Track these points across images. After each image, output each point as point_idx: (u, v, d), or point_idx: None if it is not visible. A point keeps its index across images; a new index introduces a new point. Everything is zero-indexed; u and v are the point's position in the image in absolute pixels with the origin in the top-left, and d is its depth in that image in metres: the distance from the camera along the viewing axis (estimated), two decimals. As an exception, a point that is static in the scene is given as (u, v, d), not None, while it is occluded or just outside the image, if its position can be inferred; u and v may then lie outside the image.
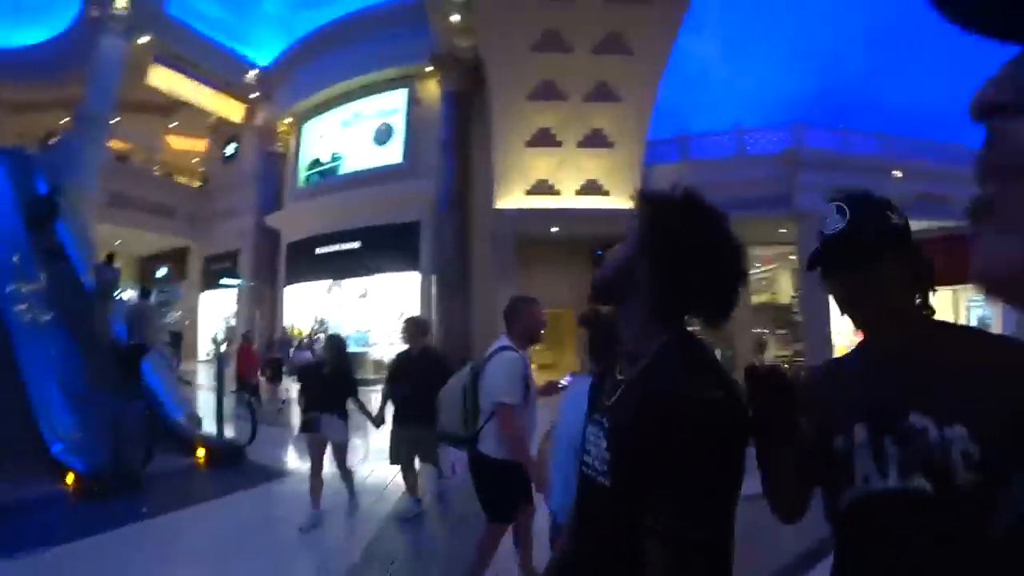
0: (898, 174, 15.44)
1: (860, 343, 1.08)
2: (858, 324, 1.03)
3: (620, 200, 14.43)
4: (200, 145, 24.21)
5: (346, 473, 4.83)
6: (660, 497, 0.88)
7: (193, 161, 24.60)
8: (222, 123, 22.02)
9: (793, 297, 16.52)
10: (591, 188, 14.36)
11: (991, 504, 0.81)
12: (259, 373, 11.16)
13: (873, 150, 15.92)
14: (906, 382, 0.95)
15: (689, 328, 1.06)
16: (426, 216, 15.82)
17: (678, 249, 1.00)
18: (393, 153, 17.38)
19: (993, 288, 0.32)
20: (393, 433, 4.65)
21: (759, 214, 13.49)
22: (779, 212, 14.23)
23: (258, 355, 12.08)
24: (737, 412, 0.92)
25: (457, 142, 15.61)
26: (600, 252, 15.24)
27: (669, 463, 0.87)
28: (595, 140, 14.15)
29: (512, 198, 13.95)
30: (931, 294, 1.03)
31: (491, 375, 2.98)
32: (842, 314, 1.03)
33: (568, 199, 14.19)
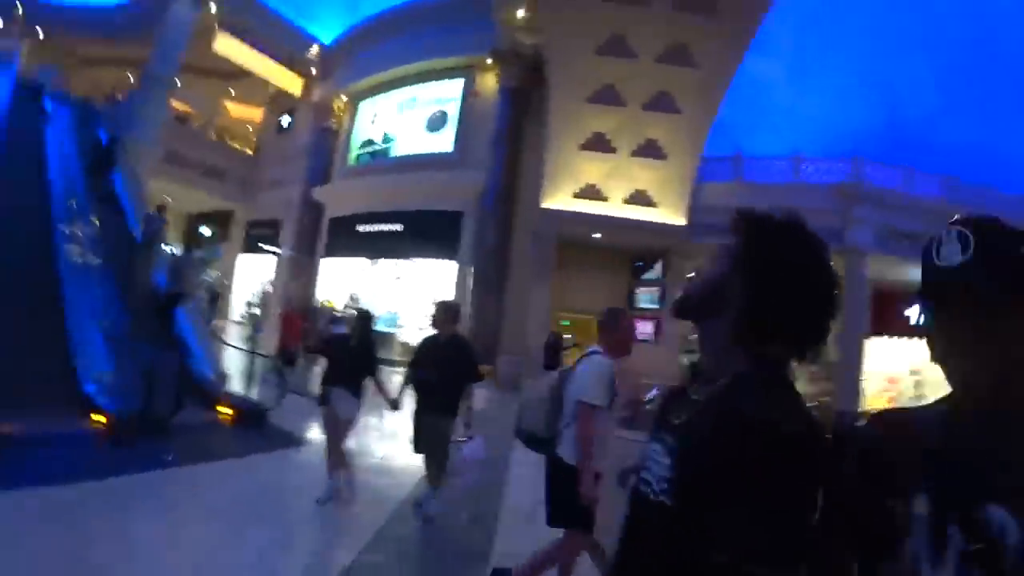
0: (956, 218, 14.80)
1: (946, 399, 0.91)
2: (954, 378, 0.85)
3: (667, 213, 14.22)
4: (257, 114, 24.81)
5: (342, 452, 4.70)
6: (726, 525, 0.84)
7: (248, 129, 25.17)
8: (280, 95, 22.53)
9: (830, 333, 16.06)
10: (639, 198, 14.20)
11: None
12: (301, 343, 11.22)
13: (935, 192, 15.29)
14: (994, 462, 0.80)
15: (773, 356, 1.00)
16: (470, 207, 15.88)
17: (774, 271, 0.97)
18: (445, 141, 17.49)
19: None
20: (415, 420, 4.48)
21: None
22: (830, 245, 13.77)
23: (302, 324, 12.20)
24: (817, 447, 0.87)
25: (509, 137, 15.64)
26: (641, 264, 15.15)
27: (740, 489, 0.83)
28: (649, 150, 13.99)
29: (559, 199, 13.95)
30: None
31: (580, 375, 2.93)
32: (935, 361, 0.87)
33: (615, 207, 14.08)
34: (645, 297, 15.33)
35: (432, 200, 16.39)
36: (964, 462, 0.81)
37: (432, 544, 4.14)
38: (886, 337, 16.10)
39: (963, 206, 15.16)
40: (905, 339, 16.18)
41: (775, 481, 0.83)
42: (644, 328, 15.10)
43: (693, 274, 1.12)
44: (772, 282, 0.96)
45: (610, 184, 14.09)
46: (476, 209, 15.75)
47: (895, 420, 1.02)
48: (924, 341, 0.89)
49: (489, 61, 16.53)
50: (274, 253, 20.72)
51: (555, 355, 13.26)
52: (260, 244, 21.11)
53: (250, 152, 23.96)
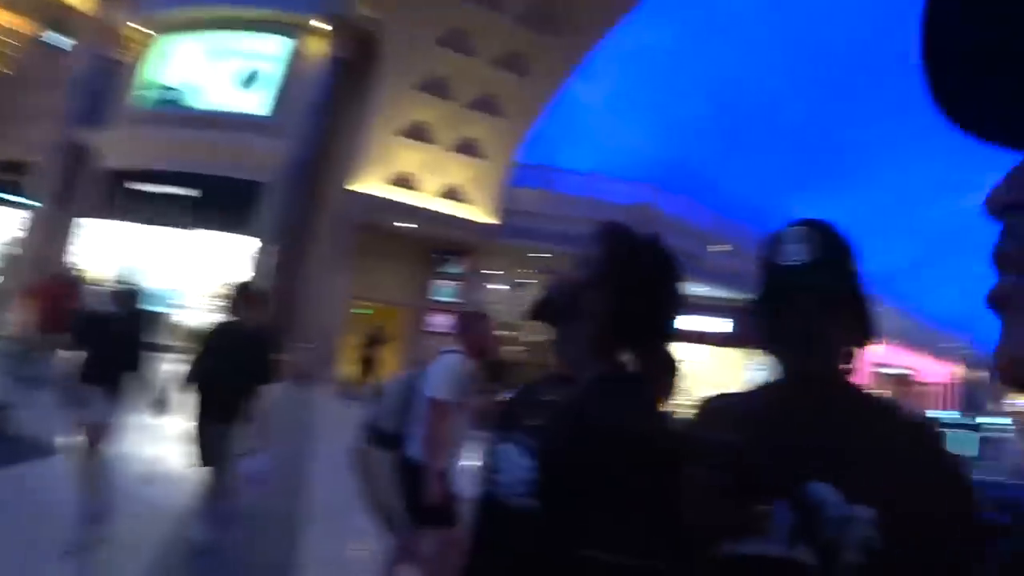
0: (727, 248, 17.61)
1: (773, 387, 1.04)
2: (786, 368, 0.98)
3: (478, 212, 14.65)
4: (22, 24, 20.13)
5: (94, 465, 3.73)
6: (595, 522, 0.87)
7: (6, 41, 20.42)
8: (57, 4, 18.45)
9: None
10: (452, 193, 14.58)
11: None
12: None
13: (707, 222, 17.98)
14: (818, 446, 0.90)
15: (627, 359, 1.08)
16: (276, 179, 14.52)
17: (639, 287, 1.03)
18: (258, 102, 15.82)
19: (1013, 377, 0.34)
20: (196, 427, 3.73)
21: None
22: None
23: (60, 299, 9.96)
24: (675, 440, 0.96)
25: (330, 110, 14.69)
26: (445, 256, 15.42)
27: (608, 486, 0.87)
28: (468, 148, 14.42)
29: (369, 183, 13.77)
30: (860, 352, 0.98)
31: (433, 372, 2.89)
32: (767, 352, 1.00)
33: (426, 198, 14.15)
34: (445, 290, 15.71)
35: (234, 165, 14.75)
36: (793, 444, 0.90)
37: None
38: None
39: (727, 237, 18.11)
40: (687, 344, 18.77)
41: (643, 476, 0.87)
42: (441, 320, 15.34)
43: (551, 280, 1.22)
44: (635, 296, 1.02)
45: (424, 175, 14.27)
46: (282, 182, 14.58)
47: (725, 405, 1.15)
48: (757, 332, 1.00)
49: (320, 26, 15.40)
50: (20, 205, 17.02)
51: (372, 349, 12.96)
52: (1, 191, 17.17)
53: (4, 70, 19.48)
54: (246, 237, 14.66)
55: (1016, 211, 0.32)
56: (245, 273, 13.80)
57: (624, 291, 1.02)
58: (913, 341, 25.22)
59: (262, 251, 14.39)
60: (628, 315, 1.02)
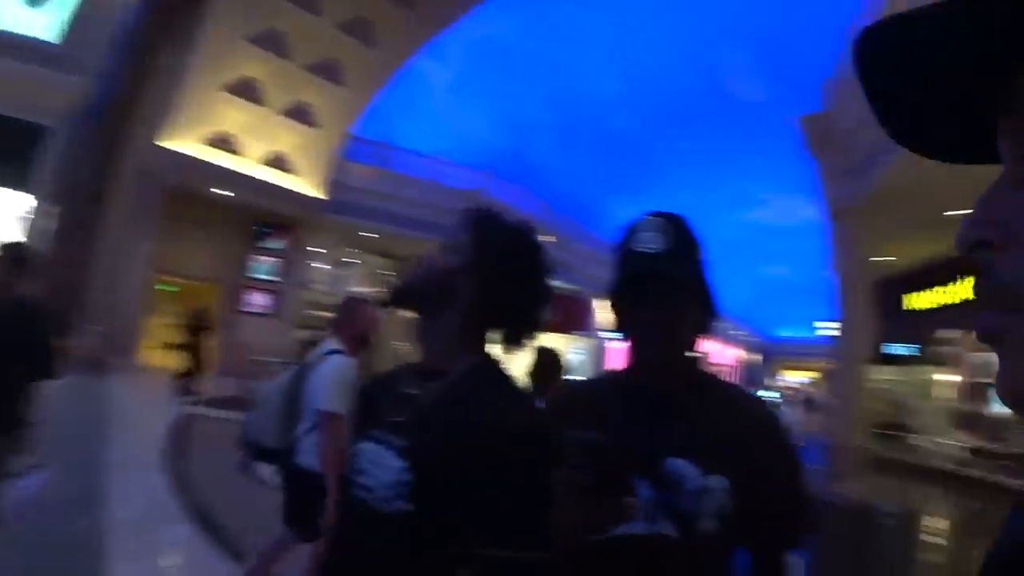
0: (552, 239, 18.89)
1: (623, 372, 1.11)
2: (640, 356, 1.05)
3: (305, 183, 14.02)
4: None
5: None
6: (478, 522, 0.87)
7: None
8: None
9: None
10: (278, 162, 13.76)
11: (729, 548, 0.95)
12: None
13: (537, 212, 19.15)
14: (671, 426, 0.98)
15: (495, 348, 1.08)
16: (65, 123, 12.42)
17: (510, 274, 1.03)
18: (46, 25, 13.17)
19: (1018, 405, 0.34)
20: None
21: (435, 237, 14.85)
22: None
23: None
24: (550, 436, 0.94)
25: (142, 48, 12.71)
26: (265, 230, 14.49)
27: (489, 487, 0.87)
28: (301, 114, 13.69)
29: (183, 141, 12.45)
30: (703, 338, 1.07)
31: (318, 379, 2.67)
32: (625, 337, 1.06)
33: (249, 164, 13.17)
34: (263, 267, 15.01)
35: (10, 102, 12.35)
36: (649, 428, 0.98)
37: None
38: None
39: (552, 226, 19.44)
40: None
41: (519, 476, 0.88)
42: (258, 300, 14.59)
43: (414, 264, 1.10)
44: (506, 283, 1.02)
45: (249, 138, 13.32)
46: (73, 128, 12.55)
47: (578, 393, 1.23)
48: (615, 320, 1.07)
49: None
50: None
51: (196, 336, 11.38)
52: None
53: None
54: (21, 191, 12.45)
55: (983, 249, 0.33)
56: (16, 234, 11.76)
57: (498, 278, 1.02)
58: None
59: (41, 209, 12.32)
60: (501, 304, 1.02)
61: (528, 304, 1.05)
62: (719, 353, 32.90)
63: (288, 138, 13.84)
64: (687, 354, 1.05)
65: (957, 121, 0.37)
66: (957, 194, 9.01)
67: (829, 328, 14.40)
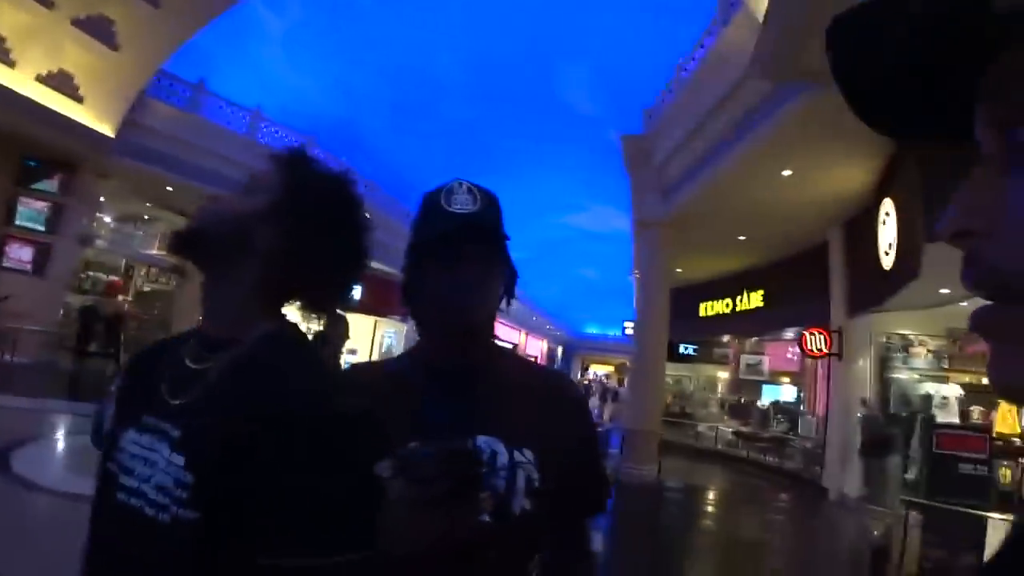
0: (372, 217, 18.25)
1: (420, 348, 1.07)
2: (442, 327, 1.01)
3: (91, 116, 11.81)
4: None
5: None
6: (277, 527, 0.74)
7: None
8: None
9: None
10: (61, 83, 11.34)
11: (539, 526, 0.93)
12: None
13: (362, 189, 18.31)
14: (475, 402, 0.95)
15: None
16: None
17: (321, 225, 0.89)
18: None
19: (1012, 396, 0.35)
20: None
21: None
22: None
23: None
24: (365, 417, 0.82)
25: None
26: (34, 163, 11.94)
27: (287, 482, 0.74)
28: (99, 28, 11.29)
29: None
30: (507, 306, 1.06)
31: None
32: (421, 310, 1.03)
33: (20, 81, 10.64)
34: (29, 213, 12.22)
35: None
36: (451, 405, 0.94)
37: None
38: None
39: (373, 205, 18.84)
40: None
41: (331, 458, 0.76)
42: (22, 254, 11.85)
43: (205, 203, 0.91)
44: (315, 237, 0.88)
45: (25, 48, 10.69)
46: None
47: (373, 372, 1.15)
48: (404, 291, 1.02)
49: None
50: None
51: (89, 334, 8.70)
52: None
53: None
54: None
55: (963, 238, 0.33)
56: None
57: (306, 229, 0.88)
58: (517, 321, 30.83)
59: None
60: (307, 259, 0.89)
61: (339, 263, 0.93)
62: (527, 343, 35.22)
63: (79, 57, 11.35)
64: (487, 325, 1.02)
65: (931, 107, 0.37)
66: (746, 221, 10.82)
67: (630, 327, 16.29)
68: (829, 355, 10.14)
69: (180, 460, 0.76)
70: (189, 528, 0.73)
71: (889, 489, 8.16)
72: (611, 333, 34.01)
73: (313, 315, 0.95)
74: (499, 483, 0.88)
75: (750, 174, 8.92)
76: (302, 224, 0.88)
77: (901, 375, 9.73)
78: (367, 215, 0.97)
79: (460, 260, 0.94)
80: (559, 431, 0.96)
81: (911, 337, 9.70)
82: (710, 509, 9.03)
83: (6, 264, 11.74)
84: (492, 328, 1.04)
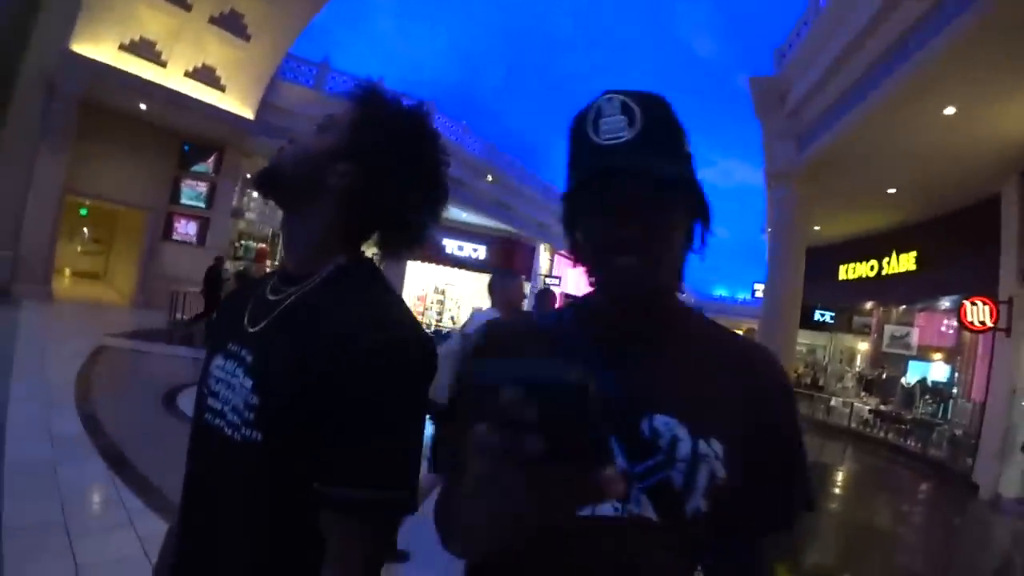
0: (490, 178, 18.48)
1: (586, 301, 0.84)
2: (611, 283, 0.75)
3: (234, 102, 13.07)
4: None
5: None
6: (333, 457, 0.73)
7: None
8: None
9: (374, 253, 17.92)
10: (206, 76, 12.63)
11: (717, 534, 0.72)
12: None
13: (479, 151, 18.56)
14: (652, 372, 0.74)
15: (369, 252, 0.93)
16: None
17: (396, 161, 0.87)
18: None
19: None
20: None
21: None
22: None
23: None
24: (430, 351, 0.80)
25: None
26: (189, 148, 13.41)
27: (352, 404, 0.73)
28: (232, 23, 12.56)
29: (97, 47, 11.13)
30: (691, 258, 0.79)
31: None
32: (588, 265, 0.76)
33: (173, 77, 12.02)
34: (190, 193, 14.03)
35: None
36: (620, 369, 0.73)
37: None
38: (421, 262, 18.97)
39: (496, 167, 19.01)
40: (439, 266, 19.52)
41: (395, 397, 0.75)
42: (187, 229, 13.67)
43: (287, 143, 0.92)
44: (391, 173, 0.87)
45: (173, 47, 12.13)
46: None
47: (519, 330, 0.89)
48: (570, 244, 0.78)
49: None
50: None
51: (214, 289, 10.63)
52: None
53: None
54: None
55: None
56: None
57: (381, 165, 0.87)
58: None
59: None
60: (379, 197, 0.88)
61: (415, 201, 0.90)
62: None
63: (218, 50, 12.64)
64: (672, 281, 0.77)
65: None
66: (898, 171, 9.42)
67: (760, 289, 15.06)
68: (994, 330, 8.52)
69: (249, 383, 0.79)
70: (254, 449, 0.76)
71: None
72: (740, 296, 31.88)
73: (392, 255, 0.93)
74: (674, 478, 0.69)
75: (903, 114, 7.54)
76: (374, 160, 0.87)
77: None
78: (443, 149, 0.92)
79: (613, 209, 0.69)
80: (757, 421, 0.73)
81: None
82: (837, 491, 8.16)
83: (175, 237, 13.77)
84: (676, 286, 0.79)
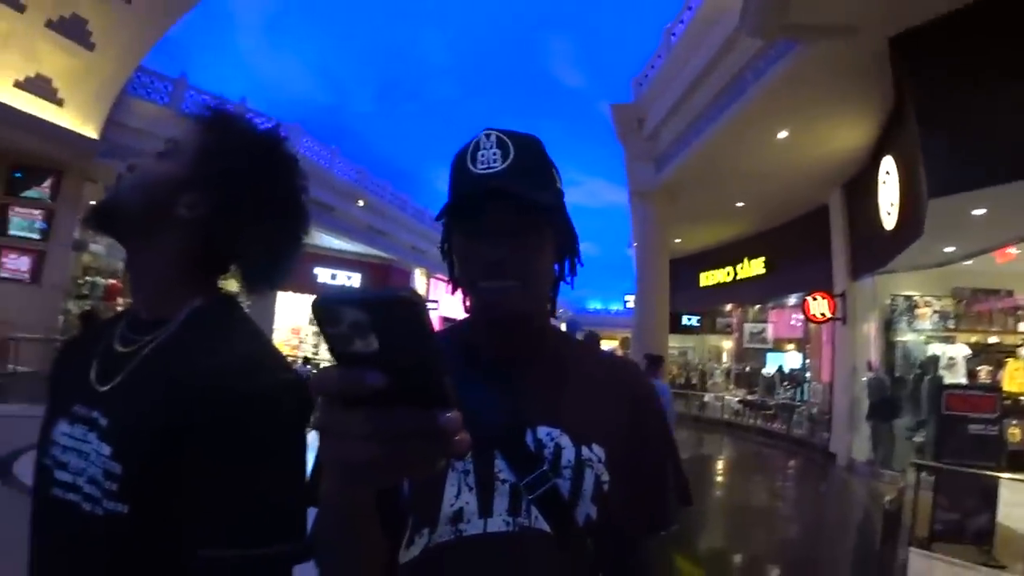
0: (361, 203, 18.16)
1: (462, 326, 0.87)
2: (484, 305, 0.79)
3: (74, 119, 11.67)
4: None
5: None
6: (210, 519, 0.68)
7: None
8: None
9: (240, 285, 16.83)
10: (40, 87, 11.13)
11: (605, 539, 0.73)
12: None
13: (350, 176, 18.21)
14: (530, 390, 0.77)
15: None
16: None
17: (251, 190, 0.81)
18: None
19: None
20: None
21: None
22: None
23: None
24: (303, 395, 0.75)
25: None
26: (20, 174, 11.82)
27: (226, 460, 0.69)
28: (73, 29, 11.02)
29: None
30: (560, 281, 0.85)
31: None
32: (462, 286, 0.81)
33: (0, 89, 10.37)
34: (21, 223, 12.13)
35: None
36: (499, 387, 0.75)
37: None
38: (292, 293, 18.08)
39: (367, 192, 18.72)
40: (310, 296, 18.66)
41: (263, 441, 0.70)
42: (18, 264, 11.87)
43: (125, 171, 0.83)
44: (249, 201, 0.81)
45: (1, 53, 10.35)
46: None
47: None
48: (448, 269, 0.82)
49: None
50: None
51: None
52: None
53: None
54: None
55: None
56: None
57: (232, 190, 0.81)
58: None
59: None
60: (237, 229, 0.82)
61: (273, 230, 0.84)
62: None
63: (55, 60, 11.09)
64: (542, 304, 0.82)
65: None
66: (743, 187, 10.66)
67: (631, 300, 16.24)
68: (833, 319, 10.04)
69: (107, 450, 0.71)
70: (120, 522, 0.69)
71: (897, 452, 8.13)
72: (613, 308, 33.93)
73: (255, 292, 0.86)
74: (562, 486, 0.71)
75: (744, 138, 8.72)
76: (224, 188, 0.80)
77: (907, 337, 9.57)
78: (301, 175, 0.88)
79: (486, 233, 0.74)
80: (630, 425, 0.78)
81: (916, 298, 9.53)
82: (719, 479, 9.03)
83: (3, 274, 11.71)
84: (544, 308, 0.83)
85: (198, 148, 0.82)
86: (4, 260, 11.79)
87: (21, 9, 10.19)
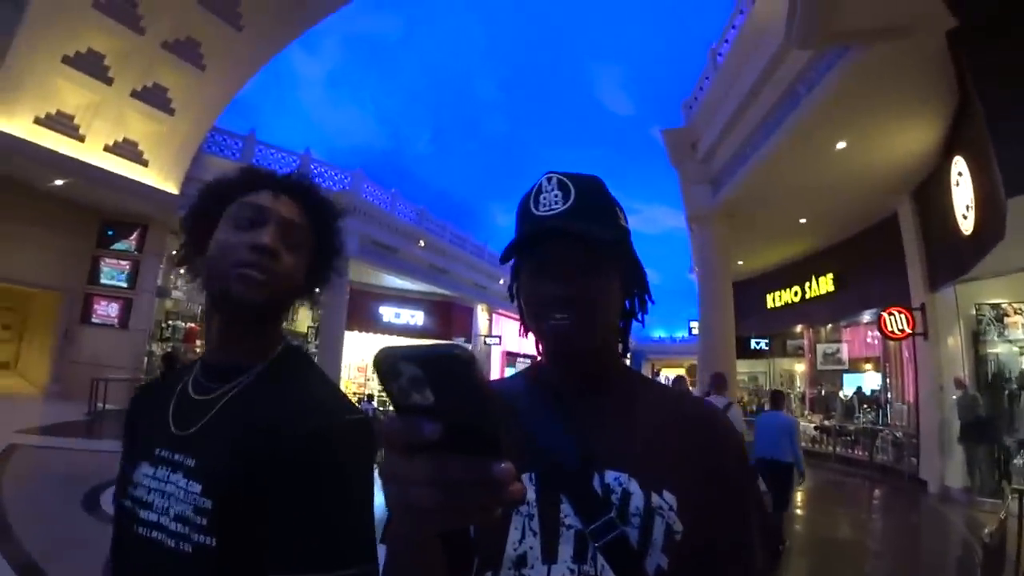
0: (422, 243, 18.71)
1: (533, 368, 0.90)
2: (552, 346, 0.82)
3: (158, 177, 12.76)
4: None
5: None
6: (303, 539, 0.75)
7: None
8: None
9: (310, 327, 17.45)
10: (127, 151, 12.29)
11: None
12: None
13: (411, 218, 18.85)
14: (602, 431, 0.77)
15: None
16: None
17: (337, 251, 0.98)
18: None
19: None
20: None
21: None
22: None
23: None
24: (367, 430, 0.84)
25: None
26: (111, 231, 12.96)
27: (303, 496, 0.76)
28: (155, 97, 12.28)
29: (10, 120, 10.54)
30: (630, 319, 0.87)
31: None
32: (533, 329, 0.82)
33: (92, 152, 11.62)
34: (111, 272, 13.43)
35: None
36: (569, 428, 0.76)
37: None
38: (359, 332, 18.69)
39: (428, 232, 19.31)
40: (376, 335, 19.25)
41: (333, 473, 0.78)
42: (108, 310, 13.05)
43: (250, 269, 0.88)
44: (333, 256, 0.97)
45: (92, 121, 11.70)
46: None
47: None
48: (518, 307, 0.84)
49: None
50: None
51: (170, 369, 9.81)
52: None
53: None
54: None
55: None
56: None
57: (324, 251, 0.97)
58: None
59: None
60: (318, 281, 0.97)
61: (330, 268, 0.99)
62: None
63: (140, 125, 12.34)
64: (611, 340, 0.83)
65: None
66: (805, 202, 10.38)
67: (696, 326, 15.88)
68: (913, 335, 9.44)
69: (197, 487, 0.78)
70: (208, 555, 0.75)
71: (996, 477, 7.52)
72: (678, 335, 33.10)
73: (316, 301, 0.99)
74: (631, 534, 0.69)
75: (801, 152, 8.52)
76: (324, 248, 0.95)
77: (998, 349, 8.82)
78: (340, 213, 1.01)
79: (548, 271, 0.77)
80: (706, 470, 0.74)
81: (1005, 306, 8.80)
82: (799, 512, 8.47)
83: (94, 320, 13.00)
84: (611, 345, 0.84)
85: (314, 236, 0.94)
86: (96, 307, 13.06)
87: (109, 82, 11.46)
